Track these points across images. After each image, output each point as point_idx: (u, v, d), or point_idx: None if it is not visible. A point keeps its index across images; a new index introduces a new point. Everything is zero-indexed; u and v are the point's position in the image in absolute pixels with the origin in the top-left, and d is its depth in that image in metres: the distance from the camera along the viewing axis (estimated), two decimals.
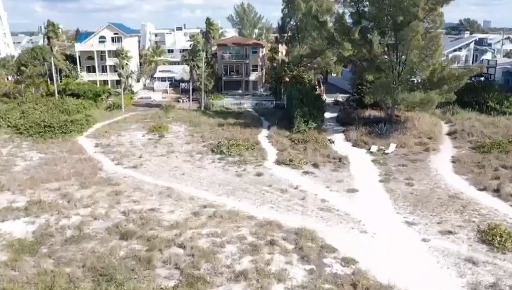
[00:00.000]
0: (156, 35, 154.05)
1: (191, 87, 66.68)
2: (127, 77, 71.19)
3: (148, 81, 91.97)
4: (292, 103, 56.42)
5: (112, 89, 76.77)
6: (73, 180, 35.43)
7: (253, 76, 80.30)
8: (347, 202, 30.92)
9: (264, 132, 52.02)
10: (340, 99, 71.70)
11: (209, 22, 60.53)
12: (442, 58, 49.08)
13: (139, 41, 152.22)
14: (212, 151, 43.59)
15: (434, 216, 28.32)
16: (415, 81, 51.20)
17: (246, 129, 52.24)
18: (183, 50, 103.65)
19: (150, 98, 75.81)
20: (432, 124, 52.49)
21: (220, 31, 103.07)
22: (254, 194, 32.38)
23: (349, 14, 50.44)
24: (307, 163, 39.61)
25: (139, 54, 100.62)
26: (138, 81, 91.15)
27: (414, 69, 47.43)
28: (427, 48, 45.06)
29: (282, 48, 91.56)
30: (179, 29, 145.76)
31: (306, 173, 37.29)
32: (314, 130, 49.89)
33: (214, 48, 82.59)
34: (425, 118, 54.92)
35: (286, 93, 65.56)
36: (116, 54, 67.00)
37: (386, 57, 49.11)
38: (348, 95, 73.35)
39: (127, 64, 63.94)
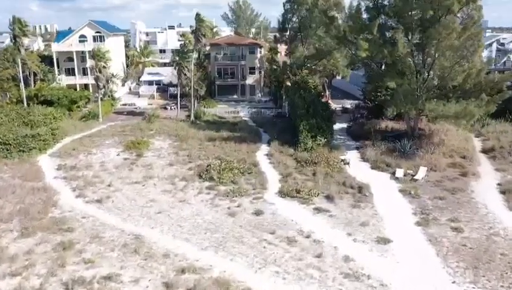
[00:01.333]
0: (147, 34, 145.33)
1: (178, 93, 58.20)
2: (108, 81, 62.70)
3: (134, 85, 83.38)
4: (296, 112, 48.16)
5: (93, 94, 68.16)
6: (15, 222, 26.93)
7: (250, 80, 71.93)
8: (379, 261, 22.53)
9: (264, 149, 43.61)
10: (349, 106, 63.43)
11: (198, 18, 52.09)
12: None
13: (129, 41, 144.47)
14: (200, 176, 35.16)
15: (508, 289, 20.01)
16: (443, 89, 42.84)
17: (242, 145, 43.83)
18: (176, 50, 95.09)
19: (134, 104, 67.33)
20: (463, 139, 44.25)
21: (215, 29, 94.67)
22: (252, 247, 23.95)
23: (364, 8, 42.11)
24: (318, 194, 31.24)
25: (126, 55, 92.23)
26: (124, 85, 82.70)
27: (445, 74, 39.16)
28: (463, 48, 36.83)
29: (282, 48, 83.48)
30: (171, 28, 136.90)
31: (319, 210, 28.89)
32: (324, 147, 41.52)
33: (208, 48, 74.26)
34: (451, 130, 46.69)
35: (288, 100, 57.22)
36: (92, 55, 58.31)
37: (409, 59, 40.78)
38: (357, 101, 65.31)
39: (104, 66, 55.35)
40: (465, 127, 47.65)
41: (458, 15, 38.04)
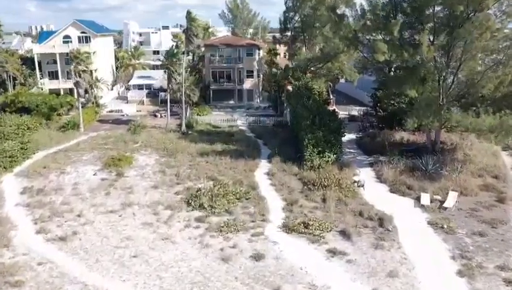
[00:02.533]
0: (140, 34, 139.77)
1: (168, 100, 52.54)
2: (91, 86, 57.06)
3: (122, 89, 77.67)
4: (299, 123, 42.58)
5: (77, 100, 62.37)
6: None
7: (248, 84, 66.33)
8: None
9: (264, 166, 38.05)
10: (356, 114, 57.84)
11: (190, 17, 46.49)
12: None
13: (121, 42, 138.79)
14: (188, 203, 29.56)
15: None
16: (468, 97, 37.32)
17: (239, 161, 38.26)
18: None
19: (121, 111, 61.62)
20: (490, 154, 38.82)
21: (211, 29, 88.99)
22: None
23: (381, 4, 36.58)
24: (331, 229, 25.71)
25: (116, 57, 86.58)
26: (112, 89, 77.03)
27: (474, 80, 33.67)
28: (498, 50, 31.37)
29: (282, 50, 78.13)
30: (166, 28, 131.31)
31: (333, 252, 23.30)
32: (333, 164, 35.99)
33: (203, 50, 68.70)
34: (474, 143, 41.28)
35: (290, 108, 51.65)
36: (70, 57, 52.62)
37: (431, 63, 35.25)
38: (364, 108, 59.74)
39: (85, 70, 49.65)
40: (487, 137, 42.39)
41: (490, 11, 32.54)
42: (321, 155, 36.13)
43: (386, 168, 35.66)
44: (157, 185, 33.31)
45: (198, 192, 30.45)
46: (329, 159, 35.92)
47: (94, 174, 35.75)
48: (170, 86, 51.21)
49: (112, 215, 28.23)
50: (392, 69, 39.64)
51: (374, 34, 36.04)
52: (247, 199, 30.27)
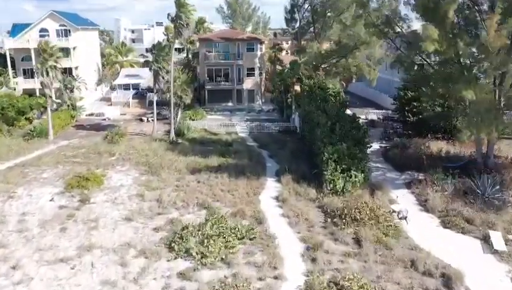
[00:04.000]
0: (132, 31, 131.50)
1: (155, 102, 44.30)
2: (66, 87, 48.81)
3: (107, 89, 69.37)
4: (313, 131, 34.53)
5: (54, 100, 54.03)
6: None
7: (248, 83, 58.14)
8: None
9: (271, 186, 29.91)
10: (376, 118, 49.80)
11: (179, 2, 38.20)
12: None
13: (111, 39, 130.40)
14: (171, 247, 21.32)
15: None
16: None
17: (239, 181, 30.12)
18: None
19: (103, 114, 53.36)
20: None
21: (205, 24, 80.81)
22: None
23: None
24: None
25: (102, 54, 78.32)
26: (96, 89, 68.87)
27: None
28: None
29: (286, 46, 70.15)
30: (160, 24, 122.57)
31: None
32: (361, 186, 27.92)
33: (198, 45, 60.59)
34: None
35: (299, 111, 43.50)
36: (38, 51, 44.36)
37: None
38: (383, 111, 51.87)
39: (55, 66, 41.37)
40: None
41: None
42: (346, 174, 27.96)
43: (430, 191, 27.55)
44: (131, 217, 25.04)
45: (185, 230, 22.19)
46: (357, 180, 27.74)
47: (51, 200, 27.48)
48: (157, 85, 42.94)
49: (62, 268, 19.94)
50: (431, 63, 31.30)
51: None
52: (251, 240, 22.07)
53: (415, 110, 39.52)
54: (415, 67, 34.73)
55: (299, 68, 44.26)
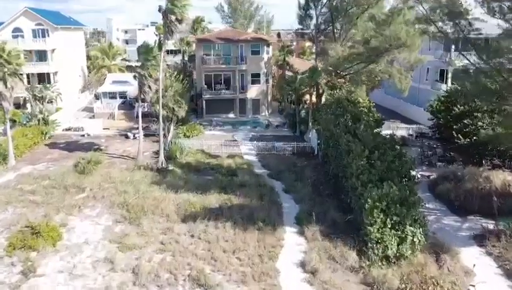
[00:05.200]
0: (125, 32, 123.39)
1: (140, 117, 36.11)
2: (36, 98, 40.68)
3: (91, 97, 61.16)
4: (343, 160, 26.42)
5: (25, 114, 45.84)
6: None
7: (253, 92, 49.98)
8: None
9: (292, 242, 21.88)
10: (406, 134, 41.78)
11: None
12: None
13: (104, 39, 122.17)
14: None
15: None
16: None
17: (248, 233, 22.14)
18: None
19: (82, 129, 45.21)
20: None
21: (203, 24, 72.71)
22: None
23: None
24: None
25: (88, 57, 70.12)
26: (79, 98, 60.75)
27: None
28: None
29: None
30: (154, 24, 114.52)
31: None
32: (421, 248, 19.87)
33: (195, 47, 52.46)
34: None
35: (318, 128, 35.33)
36: None
37: None
38: (415, 125, 43.92)
39: (14, 73, 33.11)
40: None
41: None
42: (399, 230, 19.85)
43: None
44: None
45: None
46: (419, 242, 19.62)
47: None
48: (143, 96, 34.78)
49: None
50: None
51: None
52: None
53: (466, 129, 31.38)
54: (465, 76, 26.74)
55: (320, 75, 36.09)
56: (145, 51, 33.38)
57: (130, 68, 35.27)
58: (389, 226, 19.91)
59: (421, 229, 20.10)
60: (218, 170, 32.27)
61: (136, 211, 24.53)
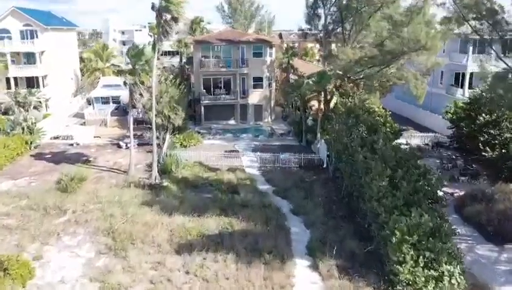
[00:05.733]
0: (123, 32, 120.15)
1: (131, 126, 32.94)
2: (19, 105, 37.51)
3: (83, 102, 57.90)
4: (359, 177, 23.24)
5: (9, 121, 42.48)
6: None
7: (255, 97, 46.74)
8: None
9: (303, 281, 18.70)
10: (420, 143, 38.61)
11: None
12: None
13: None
14: None
15: None
16: None
17: (252, 268, 18.88)
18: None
19: (71, 137, 41.99)
20: None
21: (202, 24, 69.50)
22: None
23: None
24: None
25: (81, 59, 66.88)
26: (71, 102, 57.54)
27: None
28: None
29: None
30: (151, 24, 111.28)
31: None
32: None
33: (192, 49, 49.23)
34: None
35: (327, 138, 32.13)
36: None
37: None
38: (431, 134, 40.76)
39: None
40: None
41: None
42: (433, 269, 16.63)
43: None
44: None
45: None
46: (457, 282, 16.39)
47: None
48: (133, 103, 31.52)
49: None
50: None
51: None
52: None
53: (495, 141, 28.18)
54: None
55: (329, 80, 32.83)
56: (135, 54, 30.15)
57: (119, 73, 31.64)
58: (421, 264, 16.72)
59: (458, 267, 16.90)
60: (217, 186, 28.99)
61: (122, 240, 21.27)
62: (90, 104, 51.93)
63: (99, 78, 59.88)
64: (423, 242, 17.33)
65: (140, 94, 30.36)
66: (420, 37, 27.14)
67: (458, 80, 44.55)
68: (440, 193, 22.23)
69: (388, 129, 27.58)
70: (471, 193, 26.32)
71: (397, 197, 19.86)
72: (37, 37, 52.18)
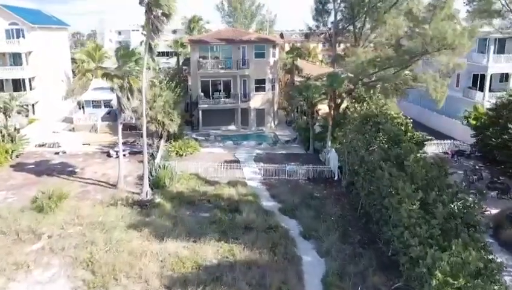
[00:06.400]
0: (119, 33, 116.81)
1: (120, 134, 29.59)
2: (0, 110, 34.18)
3: (73, 106, 54.45)
4: (382, 197, 19.92)
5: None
6: None
7: (257, 100, 43.31)
8: None
9: None
10: (437, 150, 35.34)
11: None
12: None
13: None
14: None
15: None
16: None
17: None
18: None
19: (58, 145, 38.66)
20: None
21: (200, 22, 66.27)
22: None
23: None
24: None
25: (73, 60, 63.44)
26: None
27: None
28: None
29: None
30: None
31: None
32: None
33: (189, 49, 45.81)
34: None
35: (339, 147, 28.80)
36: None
37: None
38: (450, 141, 37.46)
39: None
40: None
41: None
42: None
43: None
44: None
45: None
46: None
47: None
48: (122, 109, 28.18)
49: None
50: None
51: None
52: None
53: None
54: None
55: (342, 83, 29.45)
56: (124, 55, 26.85)
57: (106, 76, 28.22)
58: None
59: None
60: (216, 203, 25.64)
61: (104, 274, 17.91)
62: (81, 108, 48.56)
63: (90, 80, 56.44)
64: (469, 284, 14.05)
65: (128, 98, 26.97)
66: (447, 35, 23.81)
67: (476, 82, 41.28)
68: (478, 216, 18.90)
69: (409, 138, 24.26)
70: (507, 213, 23.03)
71: (432, 225, 16.57)
72: (23, 36, 48.82)
